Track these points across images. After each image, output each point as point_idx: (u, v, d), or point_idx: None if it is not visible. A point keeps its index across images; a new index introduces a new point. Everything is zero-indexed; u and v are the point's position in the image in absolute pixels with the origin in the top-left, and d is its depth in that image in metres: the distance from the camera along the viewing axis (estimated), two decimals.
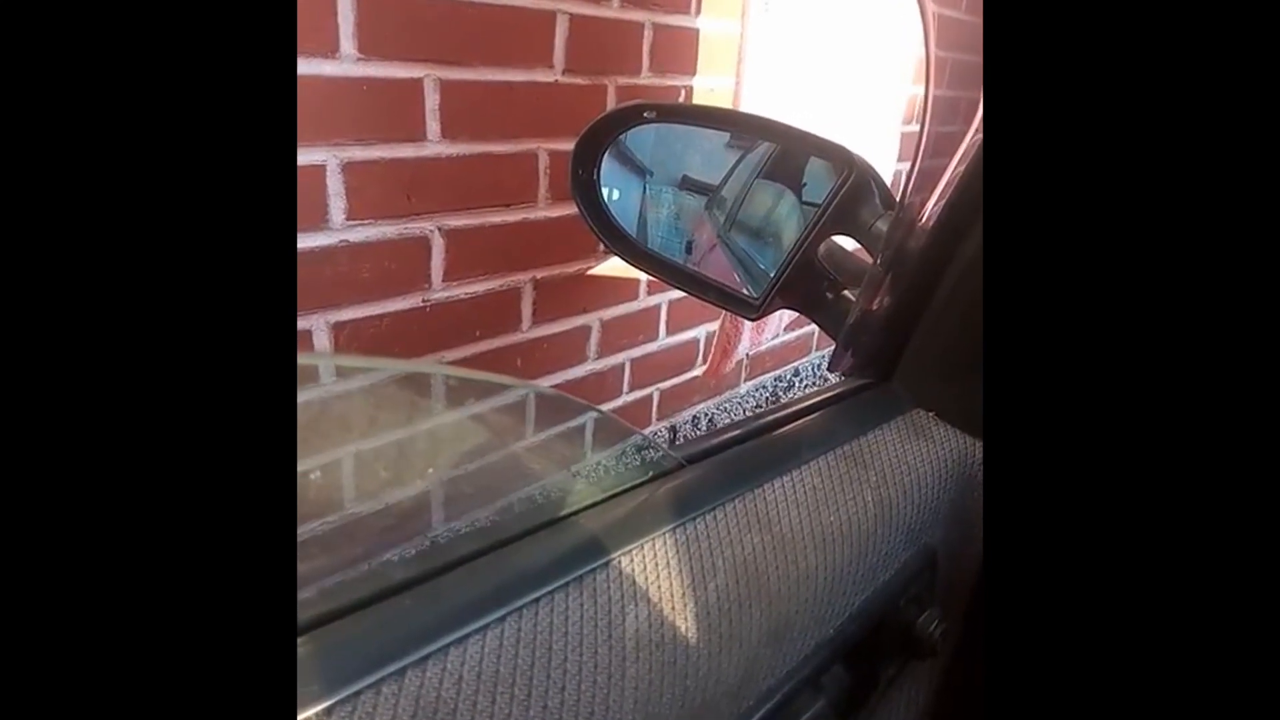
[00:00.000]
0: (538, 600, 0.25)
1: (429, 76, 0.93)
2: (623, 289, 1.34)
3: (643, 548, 0.28)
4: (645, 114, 0.51)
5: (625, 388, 1.44)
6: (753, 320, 0.54)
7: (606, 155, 0.54)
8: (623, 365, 1.41)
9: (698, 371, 1.56)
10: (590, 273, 1.25)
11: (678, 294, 1.46)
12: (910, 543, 0.39)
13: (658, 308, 1.43)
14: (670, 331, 1.48)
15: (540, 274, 1.17)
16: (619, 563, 0.27)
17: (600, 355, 1.35)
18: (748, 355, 1.74)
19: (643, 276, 1.35)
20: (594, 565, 0.27)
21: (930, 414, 0.44)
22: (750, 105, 1.12)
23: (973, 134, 0.40)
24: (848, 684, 0.36)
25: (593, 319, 1.30)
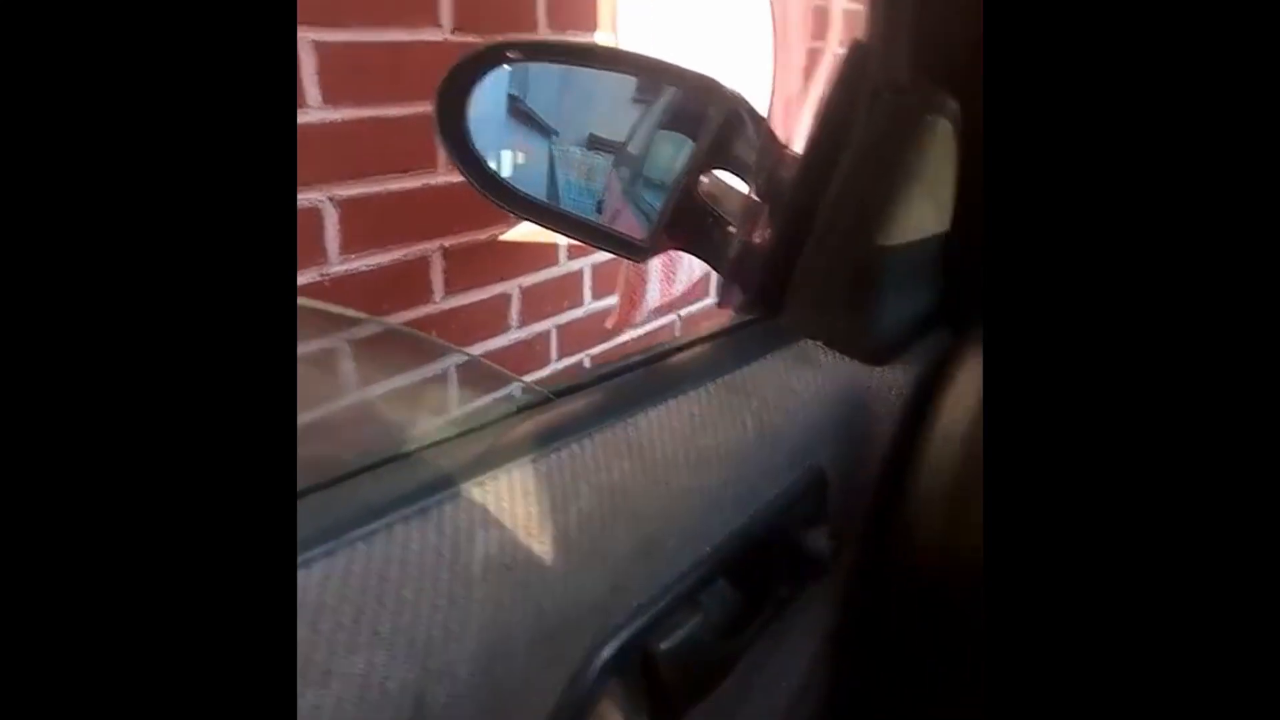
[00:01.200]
0: (374, 533, 0.24)
1: (302, 39, 0.88)
2: (541, 255, 1.31)
3: (497, 477, 0.28)
4: (509, 54, 0.49)
5: (554, 355, 1.42)
6: (640, 262, 0.53)
7: (474, 103, 0.51)
8: (549, 332, 1.39)
9: (627, 336, 1.55)
10: (503, 239, 1.22)
11: (601, 258, 1.44)
12: (795, 464, 0.40)
13: (580, 273, 1.42)
14: (596, 296, 1.47)
15: (448, 242, 1.13)
16: (469, 492, 0.27)
17: (524, 324, 1.33)
18: (680, 317, 1.74)
19: (562, 240, 1.32)
20: (440, 496, 0.26)
21: (817, 343, 0.45)
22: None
23: (831, 53, 0.39)
24: (731, 602, 0.36)
25: (511, 286, 1.27)
